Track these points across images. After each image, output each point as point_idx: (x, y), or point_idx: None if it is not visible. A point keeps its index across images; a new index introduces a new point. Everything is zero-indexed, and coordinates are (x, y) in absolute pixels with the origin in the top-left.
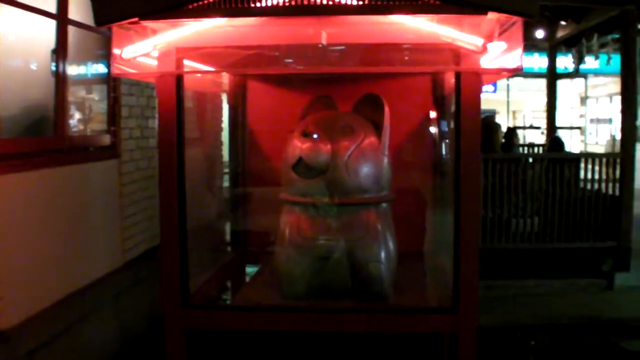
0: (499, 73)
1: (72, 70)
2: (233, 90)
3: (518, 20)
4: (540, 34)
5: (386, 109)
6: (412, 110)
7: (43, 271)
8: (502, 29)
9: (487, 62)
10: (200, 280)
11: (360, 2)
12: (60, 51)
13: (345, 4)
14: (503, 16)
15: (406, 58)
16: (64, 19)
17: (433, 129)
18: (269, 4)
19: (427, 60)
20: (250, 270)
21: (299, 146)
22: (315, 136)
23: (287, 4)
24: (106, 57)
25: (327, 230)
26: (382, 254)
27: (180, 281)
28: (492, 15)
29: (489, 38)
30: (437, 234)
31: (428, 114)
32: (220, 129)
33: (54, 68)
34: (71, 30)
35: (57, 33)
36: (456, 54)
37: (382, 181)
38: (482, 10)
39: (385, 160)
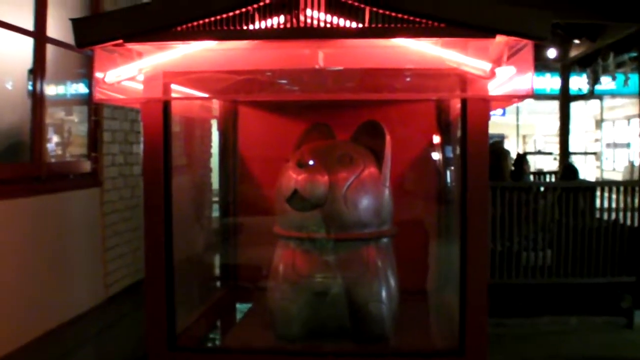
0: (508, 100)
1: (51, 90)
2: (223, 115)
3: (528, 43)
4: (552, 53)
5: (387, 137)
6: (415, 138)
7: (18, 308)
8: (512, 52)
9: (495, 87)
10: (187, 319)
11: (361, 25)
12: (37, 70)
13: (345, 26)
14: (512, 39)
15: (409, 84)
16: (41, 37)
17: (437, 157)
18: (263, 26)
19: (431, 86)
20: (242, 307)
21: (293, 177)
22: (311, 166)
23: (282, 26)
24: (87, 76)
25: (324, 267)
26: (383, 293)
27: (167, 321)
28: (500, 39)
29: (498, 62)
30: (442, 269)
31: (432, 141)
32: (210, 156)
33: (30, 88)
34: (50, 48)
35: (34, 51)
36: (462, 79)
37: (383, 214)
38: (490, 33)
39: (387, 191)
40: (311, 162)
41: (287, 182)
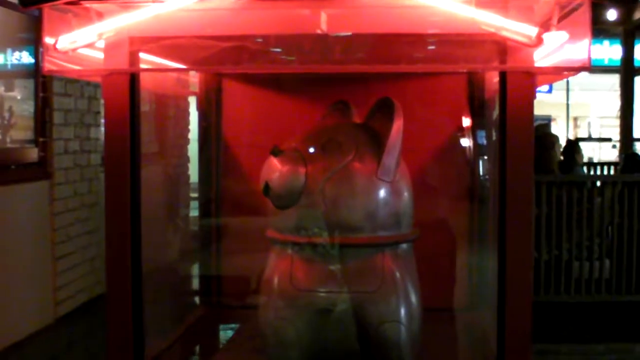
0: (558, 73)
1: None
2: (204, 92)
3: (585, 2)
4: (612, 14)
5: (397, 119)
6: (441, 121)
7: None
8: (563, 13)
9: (542, 57)
10: (159, 344)
11: None
12: None
13: None
14: None
15: (434, 53)
16: None
17: (468, 144)
18: None
19: (461, 56)
20: (227, 330)
21: (264, 168)
22: (285, 153)
23: None
24: (34, 42)
25: (328, 279)
26: (402, 311)
27: (133, 346)
28: None
29: (546, 26)
30: (475, 283)
31: (462, 125)
32: (187, 142)
33: None
34: None
35: None
36: (501, 47)
37: (401, 215)
38: None
39: (387, 187)
40: (287, 149)
41: (261, 174)
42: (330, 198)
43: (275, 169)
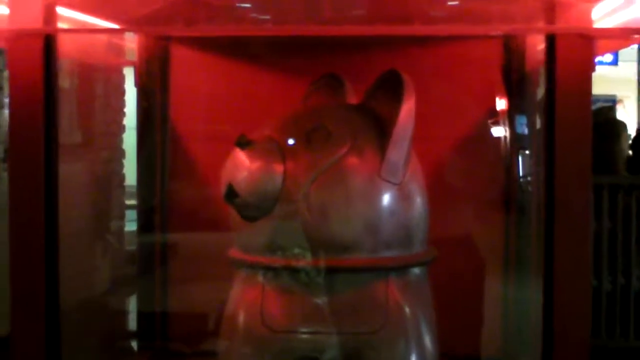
0: (626, 37)
1: None
2: (146, 63)
3: None
4: None
5: (407, 100)
6: (466, 102)
7: None
8: None
9: (604, 15)
10: None
11: None
12: None
13: None
14: None
15: (456, 11)
16: None
17: (503, 134)
18: None
19: (494, 14)
20: None
21: (227, 165)
22: (254, 145)
23: None
24: None
25: (313, 317)
26: (413, 359)
27: None
28: None
29: None
30: (511, 321)
31: (493, 108)
32: (121, 130)
33: None
34: None
35: None
36: (549, 2)
37: (412, 229)
38: None
39: (395, 192)
40: (258, 139)
41: (223, 173)
42: (317, 206)
43: (243, 167)
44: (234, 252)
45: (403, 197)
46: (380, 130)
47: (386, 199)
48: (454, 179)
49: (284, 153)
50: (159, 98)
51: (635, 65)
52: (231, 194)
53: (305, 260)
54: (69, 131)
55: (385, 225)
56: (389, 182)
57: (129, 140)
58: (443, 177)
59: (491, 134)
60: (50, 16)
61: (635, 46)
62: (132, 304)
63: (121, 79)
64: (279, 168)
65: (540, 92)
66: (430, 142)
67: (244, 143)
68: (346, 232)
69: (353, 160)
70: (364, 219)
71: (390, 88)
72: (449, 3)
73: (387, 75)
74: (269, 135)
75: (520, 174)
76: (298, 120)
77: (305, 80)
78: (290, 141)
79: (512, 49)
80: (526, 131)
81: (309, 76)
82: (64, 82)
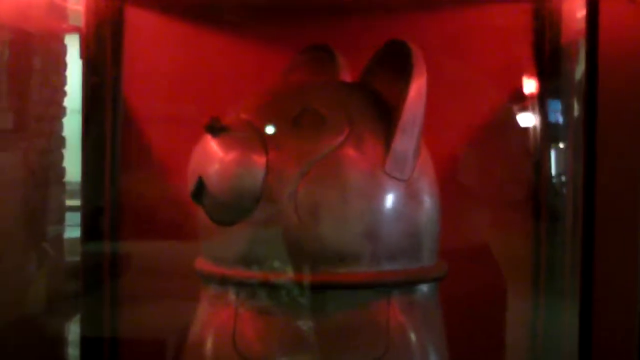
0: None
1: None
2: (94, 29)
3: None
4: None
5: (417, 77)
6: (488, 81)
7: None
8: None
9: None
10: None
11: None
12: None
13: None
14: None
15: None
16: None
17: (533, 122)
18: None
19: None
20: None
21: (196, 157)
22: (229, 133)
23: None
24: None
25: (298, 344)
26: None
27: None
28: None
29: None
30: (541, 349)
31: (522, 90)
32: (61, 113)
33: None
34: None
35: None
36: None
37: (420, 236)
38: None
39: (401, 190)
40: (233, 123)
41: (190, 166)
42: (307, 206)
43: (215, 158)
44: (201, 264)
45: (411, 196)
46: (384, 114)
47: (391, 198)
48: (471, 177)
49: (265, 142)
50: (109, 73)
51: None
52: (200, 191)
53: (289, 275)
54: None
55: (389, 232)
56: (394, 178)
57: (72, 125)
58: (458, 174)
59: (517, 123)
60: None
61: None
62: (74, 328)
63: (62, 49)
64: (260, 160)
65: (580, 70)
66: (442, 131)
67: (216, 128)
68: (342, 239)
69: (351, 150)
70: (364, 223)
71: (395, 63)
72: None
73: (390, 47)
74: (246, 120)
75: (553, 171)
76: (282, 101)
77: (288, 52)
78: (272, 127)
79: (544, 15)
80: (561, 119)
81: (293, 48)
82: None
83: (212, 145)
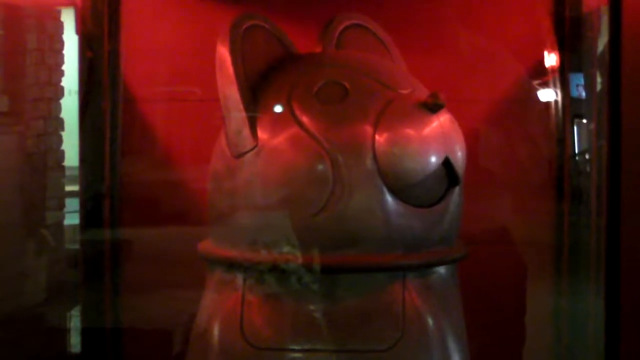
0: None
1: None
2: (91, 2)
3: None
4: None
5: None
6: (505, 55)
7: None
8: None
9: None
10: None
11: None
12: None
13: None
14: None
15: None
16: None
17: (553, 99)
18: None
19: None
20: None
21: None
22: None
23: None
24: None
25: (309, 331)
26: None
27: None
28: None
29: None
30: (564, 338)
31: (542, 64)
32: (59, 94)
33: None
34: None
35: None
36: None
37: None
38: None
39: None
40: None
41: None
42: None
43: (457, 136)
44: (206, 246)
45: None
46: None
47: None
48: (491, 156)
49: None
50: (107, 49)
51: None
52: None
53: (301, 257)
54: None
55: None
56: None
57: (69, 106)
58: (477, 152)
59: (538, 98)
60: None
61: None
62: (74, 319)
63: (59, 26)
64: None
65: (602, 42)
66: (460, 107)
67: (438, 105)
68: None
69: None
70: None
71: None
72: None
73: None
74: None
75: (576, 150)
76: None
77: (291, 27)
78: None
79: None
80: (584, 94)
81: (297, 22)
82: None
83: (448, 123)
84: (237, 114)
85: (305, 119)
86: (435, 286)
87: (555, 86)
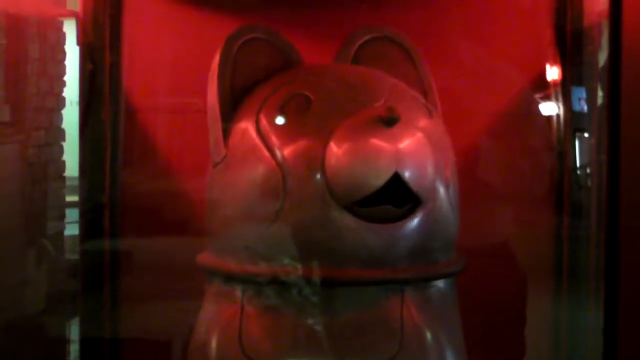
0: None
1: None
2: (92, 13)
3: None
4: None
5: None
6: (505, 67)
7: None
8: None
9: None
10: None
11: None
12: None
13: None
14: None
15: None
16: None
17: (554, 111)
18: None
19: None
20: None
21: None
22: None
23: None
24: None
25: (308, 345)
26: None
27: None
28: None
29: None
30: (564, 351)
31: (543, 77)
32: (60, 105)
33: None
34: None
35: None
36: None
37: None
38: None
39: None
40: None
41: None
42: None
43: (411, 152)
44: (205, 258)
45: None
46: None
47: None
48: (491, 169)
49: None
50: (108, 60)
51: None
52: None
53: (300, 270)
54: None
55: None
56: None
57: (70, 117)
58: (476, 165)
59: (539, 111)
60: None
61: None
62: (73, 329)
63: (61, 36)
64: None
65: (603, 55)
66: (459, 120)
67: (394, 119)
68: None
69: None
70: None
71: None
72: None
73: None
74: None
75: (577, 163)
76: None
77: (295, 38)
78: None
79: None
80: (585, 107)
81: (301, 33)
82: None
83: (403, 139)
84: (215, 124)
85: (265, 132)
86: (434, 299)
87: (557, 99)
